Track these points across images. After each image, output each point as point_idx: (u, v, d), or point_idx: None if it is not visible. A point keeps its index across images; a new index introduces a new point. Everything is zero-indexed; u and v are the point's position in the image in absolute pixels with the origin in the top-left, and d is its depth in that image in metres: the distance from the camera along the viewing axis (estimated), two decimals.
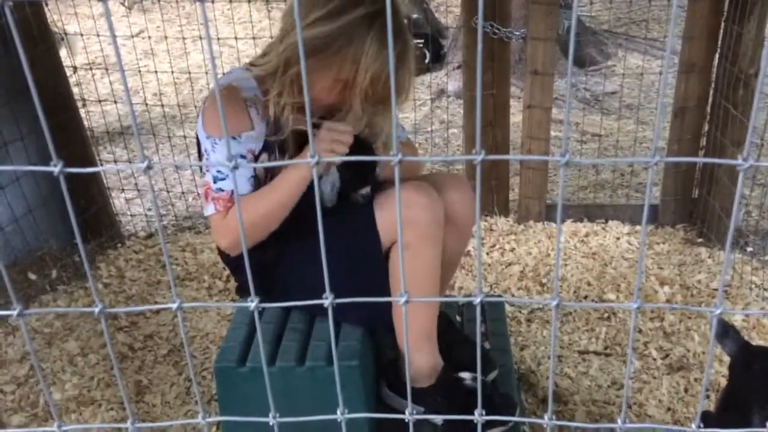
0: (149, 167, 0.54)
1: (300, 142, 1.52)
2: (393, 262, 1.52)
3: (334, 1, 1.35)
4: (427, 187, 1.50)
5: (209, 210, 1.45)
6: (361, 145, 1.51)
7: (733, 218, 0.56)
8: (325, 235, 1.43)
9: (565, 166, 0.56)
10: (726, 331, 1.54)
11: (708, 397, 1.97)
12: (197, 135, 1.51)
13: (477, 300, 0.59)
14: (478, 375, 0.70)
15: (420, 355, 1.58)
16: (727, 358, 2.08)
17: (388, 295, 1.51)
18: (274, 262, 1.54)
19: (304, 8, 1.36)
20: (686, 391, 2.01)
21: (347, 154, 1.40)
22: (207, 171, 1.45)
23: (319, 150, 1.40)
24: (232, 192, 1.42)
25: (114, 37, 0.51)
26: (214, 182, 1.43)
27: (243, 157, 1.44)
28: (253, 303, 0.57)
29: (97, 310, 0.58)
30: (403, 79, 1.45)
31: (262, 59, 1.48)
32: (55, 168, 0.51)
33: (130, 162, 3.55)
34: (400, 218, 0.66)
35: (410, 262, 1.46)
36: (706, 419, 1.53)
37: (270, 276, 1.53)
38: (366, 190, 1.55)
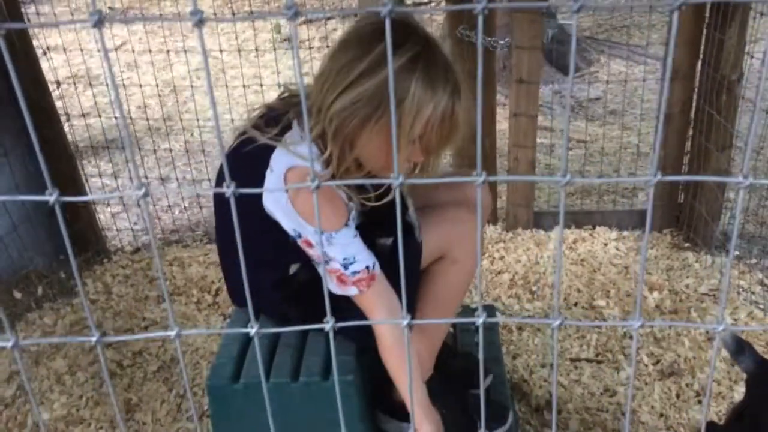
0: (146, 194, 0.53)
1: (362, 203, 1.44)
2: (432, 275, 1.56)
3: (371, 53, 1.24)
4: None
5: (352, 292, 1.40)
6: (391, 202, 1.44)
7: (734, 239, 0.57)
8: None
9: (565, 186, 0.56)
10: (741, 348, 1.48)
11: (700, 402, 1.98)
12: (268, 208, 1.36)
13: (479, 321, 0.59)
14: (482, 389, 0.69)
15: (431, 363, 1.61)
16: (718, 364, 2.10)
17: (415, 313, 1.56)
18: (305, 288, 1.50)
19: (344, 67, 1.26)
20: (678, 396, 2.01)
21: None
22: (330, 260, 1.36)
23: None
24: (368, 266, 1.37)
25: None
26: (346, 269, 1.36)
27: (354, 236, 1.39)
28: (253, 329, 0.56)
29: (94, 339, 0.57)
30: (458, 120, 1.32)
31: (313, 130, 1.33)
32: (51, 197, 0.51)
33: (114, 175, 3.51)
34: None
35: (456, 276, 1.55)
36: (713, 431, 1.51)
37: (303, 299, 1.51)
38: (387, 241, 1.46)
